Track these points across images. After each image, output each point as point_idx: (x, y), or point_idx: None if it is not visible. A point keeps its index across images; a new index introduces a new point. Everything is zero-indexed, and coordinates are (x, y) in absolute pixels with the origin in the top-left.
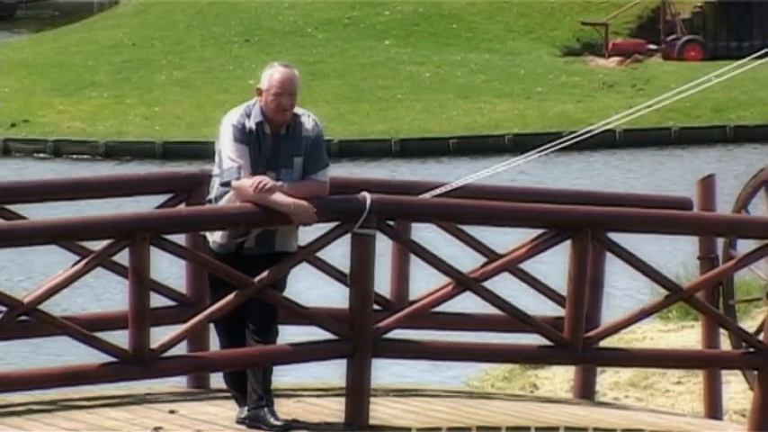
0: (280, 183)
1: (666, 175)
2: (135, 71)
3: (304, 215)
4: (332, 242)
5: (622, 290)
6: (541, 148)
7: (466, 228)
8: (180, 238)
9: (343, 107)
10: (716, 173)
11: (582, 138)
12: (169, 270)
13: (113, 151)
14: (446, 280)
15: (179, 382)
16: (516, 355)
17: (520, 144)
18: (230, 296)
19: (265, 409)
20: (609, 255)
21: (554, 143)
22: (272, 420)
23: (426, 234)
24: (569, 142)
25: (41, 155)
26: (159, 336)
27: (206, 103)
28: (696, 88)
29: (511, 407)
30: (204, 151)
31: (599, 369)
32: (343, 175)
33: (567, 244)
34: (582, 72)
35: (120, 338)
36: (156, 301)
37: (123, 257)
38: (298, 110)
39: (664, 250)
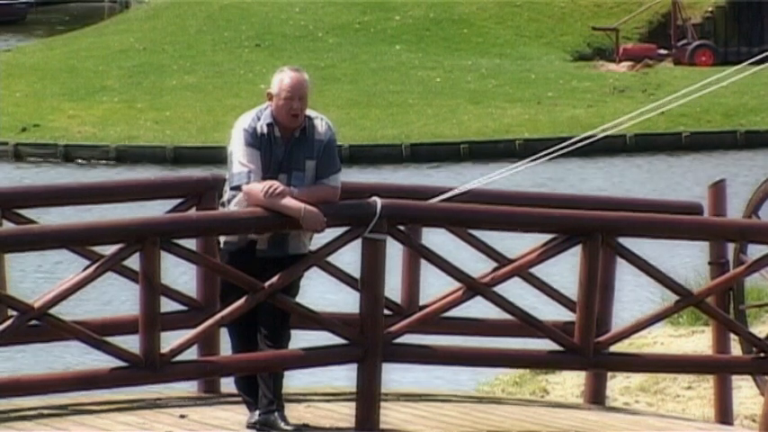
0: (290, 187)
1: (677, 180)
2: (146, 76)
3: (314, 221)
4: (342, 247)
5: (633, 295)
6: (552, 150)
7: (476, 232)
8: (191, 243)
9: (354, 112)
10: (727, 178)
11: (592, 141)
12: (180, 275)
13: (124, 156)
14: (457, 285)
15: (190, 387)
16: (527, 360)
17: (530, 149)
18: (241, 300)
19: (276, 413)
20: (619, 259)
21: (563, 145)
22: (282, 425)
23: (437, 239)
24: (583, 143)
25: (52, 159)
26: (170, 340)
27: (217, 107)
28: (703, 90)
29: (521, 412)
30: (215, 156)
31: (609, 374)
32: (354, 180)
33: (578, 249)
34: (592, 77)
35: (131, 343)
36: (167, 305)
37: (134, 262)
38: (311, 113)
39: (674, 255)
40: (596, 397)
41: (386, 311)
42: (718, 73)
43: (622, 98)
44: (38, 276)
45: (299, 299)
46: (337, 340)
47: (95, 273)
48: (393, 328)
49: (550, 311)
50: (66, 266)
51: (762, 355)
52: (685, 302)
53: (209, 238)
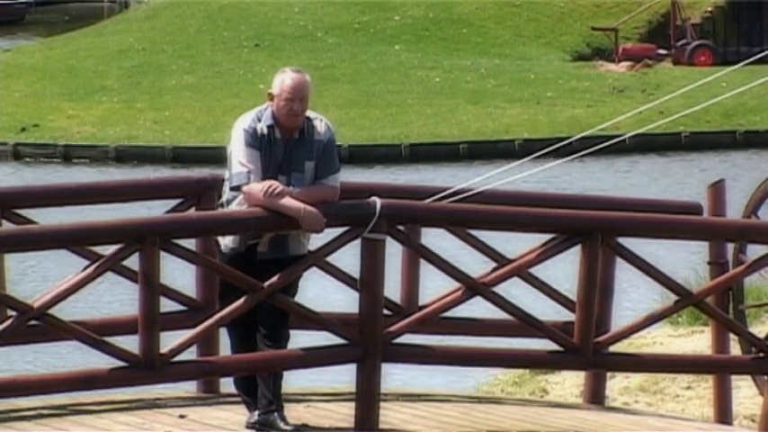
0: (290, 187)
1: (676, 180)
2: (145, 76)
3: (313, 221)
4: (342, 247)
5: (632, 295)
6: (562, 160)
7: (476, 232)
8: (190, 243)
9: (354, 112)
10: (726, 178)
11: (594, 142)
12: (179, 274)
13: (123, 156)
14: (456, 285)
15: (189, 387)
16: (526, 360)
17: (530, 149)
18: (240, 301)
19: (275, 413)
20: (619, 260)
21: (578, 154)
22: (281, 425)
23: (436, 239)
24: (591, 150)
25: (51, 159)
26: (169, 340)
27: (216, 107)
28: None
29: (521, 412)
30: (214, 156)
31: (609, 374)
32: (353, 180)
33: (577, 249)
34: (592, 77)
35: (130, 343)
36: (167, 305)
37: (134, 262)
38: (310, 113)
39: (674, 255)
40: (596, 397)
41: (385, 311)
42: (718, 73)
43: (622, 98)
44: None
45: (297, 299)
46: (337, 340)
47: (95, 273)
48: (392, 328)
49: (550, 311)
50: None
51: (761, 355)
52: (685, 302)
53: (209, 238)
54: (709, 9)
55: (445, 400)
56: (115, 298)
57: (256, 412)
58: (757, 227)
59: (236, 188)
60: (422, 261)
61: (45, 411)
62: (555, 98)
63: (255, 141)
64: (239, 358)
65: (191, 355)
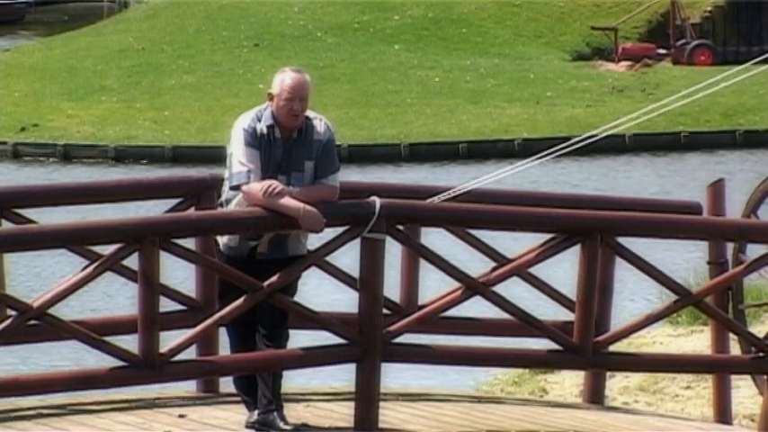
0: (290, 187)
1: (676, 179)
2: (144, 75)
3: (313, 221)
4: (341, 246)
5: (632, 294)
6: (551, 151)
7: (476, 232)
8: (190, 242)
9: (353, 112)
10: (725, 177)
11: (593, 141)
12: (179, 274)
13: (123, 155)
14: (455, 284)
15: (189, 387)
16: (526, 359)
17: (529, 148)
18: (240, 300)
19: (275, 413)
20: (618, 259)
21: (565, 146)
22: (281, 424)
23: (436, 238)
24: (581, 144)
25: (51, 159)
26: (169, 340)
27: (215, 107)
28: (705, 91)
29: (520, 411)
30: (214, 155)
31: (608, 373)
32: (353, 180)
33: (577, 248)
34: (591, 77)
35: (130, 343)
36: (166, 305)
37: (133, 261)
38: (310, 113)
39: (673, 255)
40: (595, 396)
41: (385, 311)
42: (717, 72)
43: (621, 98)
44: None
45: (297, 298)
46: (336, 340)
47: (94, 272)
48: (392, 328)
49: (549, 311)
50: None
51: (761, 354)
52: (684, 302)
53: (208, 237)
54: (709, 9)
55: (445, 400)
56: (112, 293)
57: (256, 412)
58: (757, 226)
59: (236, 188)
60: (421, 261)
61: (45, 411)
62: (554, 98)
63: (255, 141)
64: (239, 358)
65: (190, 354)
